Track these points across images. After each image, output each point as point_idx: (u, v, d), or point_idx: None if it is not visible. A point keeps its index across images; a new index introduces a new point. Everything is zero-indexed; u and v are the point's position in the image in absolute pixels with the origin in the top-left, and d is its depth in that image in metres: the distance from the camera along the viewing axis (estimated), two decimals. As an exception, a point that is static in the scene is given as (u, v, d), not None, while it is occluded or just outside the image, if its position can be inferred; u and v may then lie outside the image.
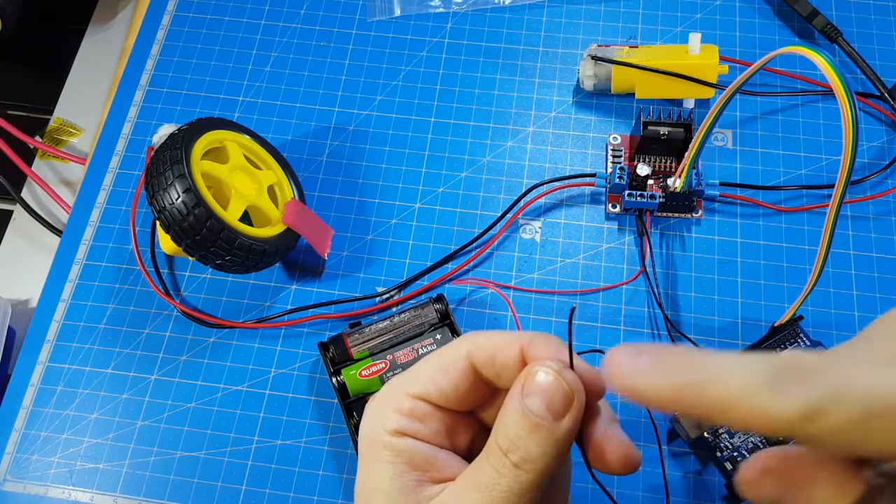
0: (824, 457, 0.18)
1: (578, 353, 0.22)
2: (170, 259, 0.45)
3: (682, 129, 0.43)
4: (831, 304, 0.43)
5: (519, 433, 0.21)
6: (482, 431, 0.25)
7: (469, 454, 0.24)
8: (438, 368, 0.23)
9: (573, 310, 0.27)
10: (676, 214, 0.45)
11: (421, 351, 0.40)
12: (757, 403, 0.16)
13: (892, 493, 0.17)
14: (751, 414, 0.16)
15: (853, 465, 0.18)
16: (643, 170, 0.43)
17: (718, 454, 0.38)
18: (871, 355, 0.18)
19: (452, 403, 0.23)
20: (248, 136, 0.43)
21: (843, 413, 0.16)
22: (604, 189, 0.45)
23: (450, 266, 0.44)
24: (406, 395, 0.23)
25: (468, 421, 0.24)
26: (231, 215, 0.39)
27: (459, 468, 0.22)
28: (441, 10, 0.53)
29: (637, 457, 0.21)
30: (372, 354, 0.40)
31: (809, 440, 0.17)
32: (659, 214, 0.45)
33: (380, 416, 0.23)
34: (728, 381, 0.17)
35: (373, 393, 0.30)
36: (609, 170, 0.47)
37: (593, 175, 0.45)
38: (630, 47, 0.47)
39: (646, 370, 0.18)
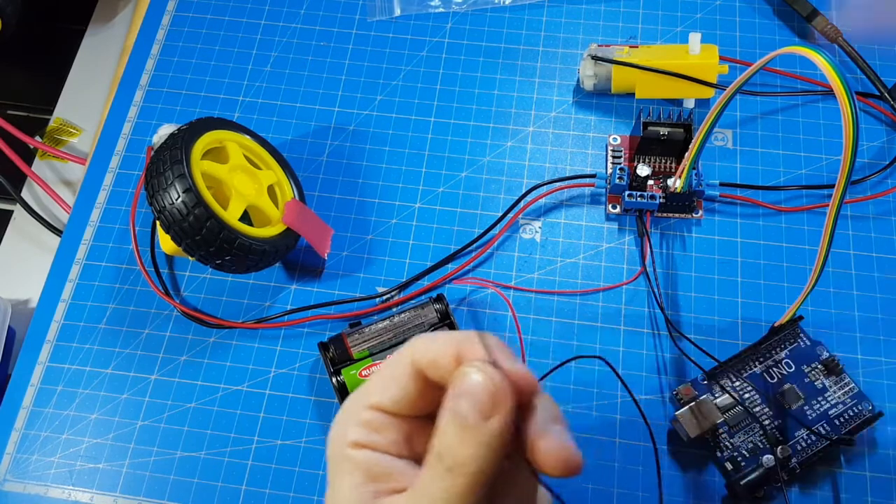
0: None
1: (581, 357, 0.22)
2: (170, 259, 0.45)
3: (682, 130, 0.43)
4: (831, 304, 0.43)
5: (450, 437, 0.20)
6: None
7: None
8: (388, 376, 0.23)
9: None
10: (676, 215, 0.45)
11: (421, 351, 0.39)
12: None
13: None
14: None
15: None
16: (643, 170, 0.43)
17: (718, 454, 0.38)
18: None
19: (406, 410, 0.23)
20: (248, 136, 0.43)
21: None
22: (604, 189, 0.45)
23: (450, 266, 0.44)
24: (363, 406, 0.23)
25: (429, 427, 0.24)
26: (231, 215, 0.39)
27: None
28: (441, 10, 0.53)
29: (576, 460, 0.20)
30: (372, 354, 0.40)
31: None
32: (659, 215, 0.45)
33: (341, 429, 0.23)
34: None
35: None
36: (609, 170, 0.47)
37: (593, 176, 0.45)
38: (630, 47, 0.47)
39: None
